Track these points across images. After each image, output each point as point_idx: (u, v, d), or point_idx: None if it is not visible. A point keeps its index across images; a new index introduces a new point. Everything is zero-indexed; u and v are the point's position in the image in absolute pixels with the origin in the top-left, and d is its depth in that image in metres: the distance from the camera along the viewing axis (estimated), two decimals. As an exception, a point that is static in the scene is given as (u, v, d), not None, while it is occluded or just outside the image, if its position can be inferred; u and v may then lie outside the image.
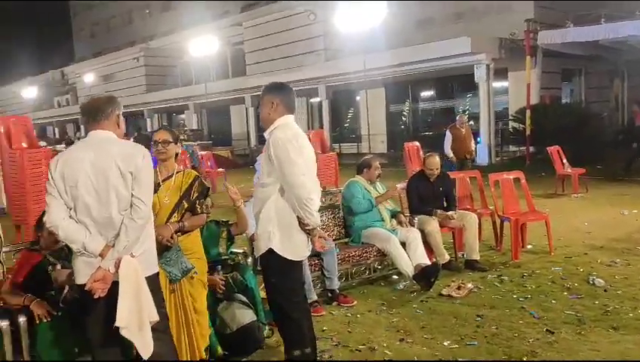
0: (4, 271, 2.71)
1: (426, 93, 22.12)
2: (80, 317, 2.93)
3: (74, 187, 2.70)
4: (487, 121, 16.87)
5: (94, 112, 2.85)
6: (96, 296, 2.65)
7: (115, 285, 2.67)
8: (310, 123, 25.32)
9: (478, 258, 5.77)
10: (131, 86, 36.11)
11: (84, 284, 2.68)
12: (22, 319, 3.18)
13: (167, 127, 3.81)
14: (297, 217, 3.08)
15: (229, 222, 4.30)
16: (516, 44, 16.60)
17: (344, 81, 20.90)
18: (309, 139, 10.00)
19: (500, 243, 6.46)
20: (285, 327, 3.25)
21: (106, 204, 2.71)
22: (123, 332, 2.65)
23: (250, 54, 27.47)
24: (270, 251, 3.12)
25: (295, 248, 3.15)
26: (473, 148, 11.13)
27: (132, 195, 2.73)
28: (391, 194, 5.61)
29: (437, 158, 6.06)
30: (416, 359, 3.68)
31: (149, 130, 29.13)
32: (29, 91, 41.42)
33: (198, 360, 3.45)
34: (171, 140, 3.52)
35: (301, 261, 3.26)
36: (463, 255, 5.96)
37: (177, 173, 3.51)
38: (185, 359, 3.40)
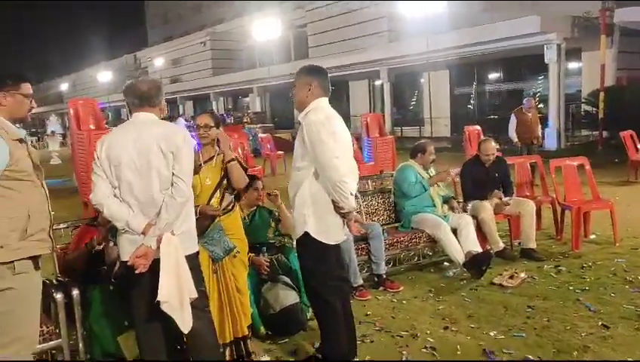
0: (53, 246, 2.86)
1: (493, 75, 21.37)
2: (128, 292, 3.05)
3: (118, 167, 2.80)
4: (557, 104, 16.13)
5: (139, 96, 2.92)
6: (137, 271, 2.74)
7: (156, 262, 2.75)
8: (372, 106, 25.11)
9: (535, 247, 5.55)
10: (198, 70, 37.04)
11: (127, 261, 2.79)
12: (75, 292, 3.35)
13: (209, 111, 3.87)
14: (332, 201, 3.06)
15: (277, 215, 4.37)
16: (591, 22, 15.69)
17: (407, 63, 20.51)
18: (366, 122, 10.01)
19: (561, 232, 6.18)
20: (320, 310, 3.25)
21: (147, 183, 2.79)
22: (164, 307, 2.74)
23: (313, 37, 27.47)
24: (305, 234, 3.11)
25: (330, 232, 3.13)
26: (540, 134, 10.61)
27: (173, 174, 2.81)
28: (443, 177, 5.47)
29: (492, 143, 5.85)
30: (458, 348, 3.59)
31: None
32: (104, 75, 43.34)
33: (240, 336, 3.52)
34: (212, 124, 3.58)
35: (337, 245, 3.23)
36: (518, 243, 5.75)
37: (218, 154, 3.57)
38: (228, 336, 3.48)
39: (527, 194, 6.50)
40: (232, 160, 3.43)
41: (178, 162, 2.81)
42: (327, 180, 3.00)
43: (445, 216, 5.26)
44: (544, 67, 16.74)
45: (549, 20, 15.44)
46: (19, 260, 2.65)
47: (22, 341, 2.74)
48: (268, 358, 3.56)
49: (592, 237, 6.13)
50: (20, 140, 2.72)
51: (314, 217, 3.09)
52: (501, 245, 5.52)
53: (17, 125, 2.83)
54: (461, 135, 12.34)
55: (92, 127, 7.96)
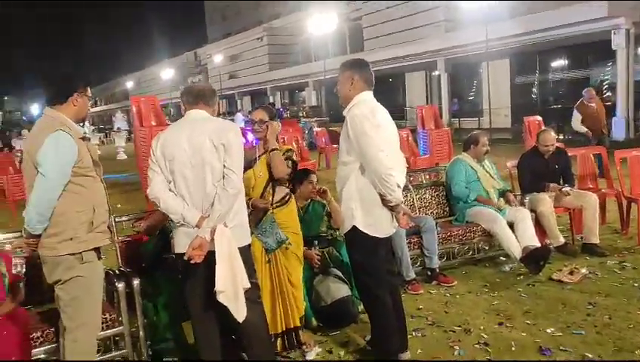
0: (112, 237, 3.03)
1: (557, 63, 20.52)
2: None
3: (172, 162, 2.91)
4: (626, 92, 15.34)
5: (196, 96, 3.04)
6: (192, 262, 2.84)
7: (210, 254, 2.84)
8: (429, 97, 24.71)
9: (598, 241, 5.33)
10: (255, 65, 37.57)
11: (183, 253, 2.89)
12: (136, 282, 3.51)
13: (264, 106, 3.93)
14: (380, 194, 3.05)
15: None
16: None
17: (465, 53, 20.05)
18: (422, 114, 9.87)
19: (626, 226, 5.90)
20: (369, 304, 3.26)
21: (201, 177, 2.89)
22: (220, 298, 2.83)
23: (368, 29, 27.31)
24: (354, 228, 3.12)
25: (378, 225, 3.12)
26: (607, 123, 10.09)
27: (224, 167, 2.89)
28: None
29: (552, 134, 5.64)
30: (513, 344, 3.51)
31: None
32: (167, 72, 44.74)
33: (292, 327, 3.58)
34: (267, 119, 3.64)
35: (385, 238, 3.22)
36: (580, 238, 5.53)
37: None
38: (280, 327, 3.55)
39: (591, 186, 6.23)
40: (274, 149, 3.47)
41: (229, 155, 2.89)
42: (372, 173, 3.00)
43: (501, 210, 5.13)
44: (612, 54, 15.94)
45: (616, 5, 14.66)
46: (86, 251, 2.83)
47: (87, 326, 2.93)
48: (319, 349, 3.60)
49: (661, 231, 5.81)
50: (83, 138, 2.90)
51: (361, 211, 3.09)
52: (561, 239, 5.33)
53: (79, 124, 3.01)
54: (522, 126, 11.96)
55: (153, 123, 8.22)
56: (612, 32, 15.08)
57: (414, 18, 24.08)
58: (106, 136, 34.55)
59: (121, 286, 3.45)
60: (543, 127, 5.96)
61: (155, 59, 54.41)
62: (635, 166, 5.96)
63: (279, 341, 3.57)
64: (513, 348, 3.47)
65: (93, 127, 37.06)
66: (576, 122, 9.68)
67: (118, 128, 26.99)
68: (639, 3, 14.87)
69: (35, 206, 2.76)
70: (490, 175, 5.37)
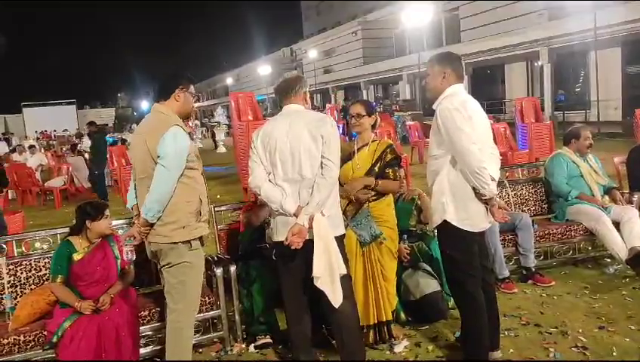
0: (211, 225, 3.26)
1: (676, 51, 18.81)
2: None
3: (272, 153, 3.06)
4: None
5: (286, 90, 3.18)
6: (292, 248, 2.95)
7: (307, 242, 2.95)
8: (530, 89, 23.59)
9: None
10: (349, 59, 37.71)
11: (281, 241, 3.03)
12: (233, 268, 3.72)
13: (362, 100, 3.98)
14: (473, 188, 3.00)
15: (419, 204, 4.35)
16: None
17: (570, 42, 18.89)
18: (521, 107, 9.44)
19: None
20: (461, 300, 3.22)
21: (299, 167, 3.01)
22: (318, 283, 2.94)
23: (466, 20, 26.53)
24: (445, 223, 3.09)
25: (471, 219, 3.07)
26: None
27: (322, 156, 3.00)
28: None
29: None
30: (614, 349, 3.33)
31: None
32: (264, 69, 46.12)
33: (384, 320, 3.62)
34: (364, 113, 3.69)
35: (479, 233, 3.16)
36: (699, 241, 5.07)
37: (372, 142, 3.68)
38: (372, 319, 3.60)
39: None
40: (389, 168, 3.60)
41: (327, 145, 3.00)
42: (465, 167, 2.96)
43: (606, 208, 4.83)
44: None
45: None
46: (194, 239, 3.07)
47: (188, 307, 3.16)
48: (407, 343, 3.61)
49: None
50: (189, 133, 3.13)
51: (453, 205, 3.06)
52: (675, 242, 4.92)
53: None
54: (633, 119, 11.10)
55: (250, 117, 8.56)
56: None
57: (514, 7, 23.04)
58: (207, 130, 36.25)
59: (219, 272, 3.67)
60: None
61: (253, 56, 56.34)
62: None
63: (371, 333, 3.61)
64: (614, 353, 3.29)
65: (197, 122, 39.08)
66: None
67: (218, 122, 28.22)
68: None
69: (157, 195, 2.97)
70: (595, 170, 5.06)
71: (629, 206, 4.88)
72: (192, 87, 3.23)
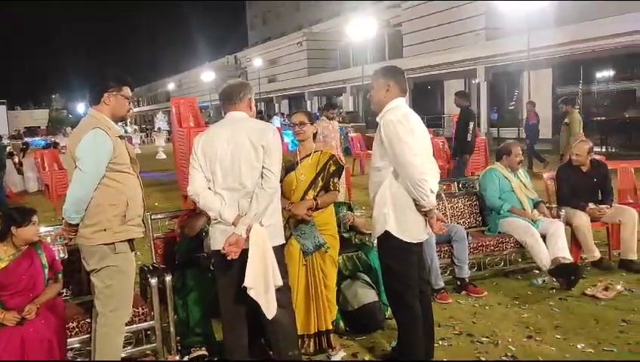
0: (147, 231, 3.17)
1: (602, 74, 20.00)
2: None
3: (212, 161, 3.01)
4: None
5: (230, 96, 3.14)
6: (229, 258, 2.91)
7: (245, 252, 2.91)
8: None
9: (636, 258, 5.18)
10: (294, 70, 37.84)
11: (220, 250, 2.97)
12: (168, 278, 3.62)
13: (303, 110, 4.01)
14: (413, 199, 3.06)
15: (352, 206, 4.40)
16: None
17: (506, 62, 19.73)
18: (456, 122, 9.69)
19: (668, 244, 5.72)
20: (398, 310, 3.27)
21: (239, 175, 2.97)
22: (251, 293, 2.90)
23: (408, 35, 27.20)
24: (386, 233, 3.14)
25: (411, 230, 3.14)
26: None
27: (263, 167, 2.97)
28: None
29: (586, 145, 5.53)
30: (540, 359, 3.46)
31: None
32: (207, 75, 45.46)
33: (324, 330, 3.61)
34: (307, 122, 3.70)
35: (418, 244, 3.23)
36: (617, 253, 5.40)
37: (315, 152, 3.69)
38: (313, 328, 3.59)
39: (631, 201, 6.06)
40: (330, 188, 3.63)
41: (268, 156, 2.97)
42: (407, 179, 3.02)
43: (535, 222, 5.06)
44: (660, 65, 15.46)
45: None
46: (119, 242, 2.97)
47: (117, 312, 3.08)
48: (344, 353, 3.62)
49: None
50: (120, 136, 3.04)
51: (394, 216, 3.11)
52: (597, 254, 5.22)
53: (119, 124, 3.15)
54: (561, 137, 11.70)
55: (191, 124, 8.42)
56: (660, 42, 14.64)
57: (455, 25, 23.87)
58: (147, 136, 35.41)
59: (154, 281, 3.57)
60: (582, 139, 5.82)
61: (197, 62, 55.51)
62: (678, 182, 5.78)
63: (312, 342, 3.61)
64: (541, 362, 3.42)
65: (135, 127, 38.08)
66: None
67: (159, 128, 27.62)
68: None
69: (72, 197, 2.94)
70: (525, 185, 5.30)
71: (556, 220, 5.13)
72: (125, 89, 3.13)
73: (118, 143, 3.02)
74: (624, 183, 6.21)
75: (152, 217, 4.14)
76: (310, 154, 3.67)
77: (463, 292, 4.68)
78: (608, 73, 19.70)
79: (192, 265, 3.78)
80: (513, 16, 18.88)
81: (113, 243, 3.00)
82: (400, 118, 3.06)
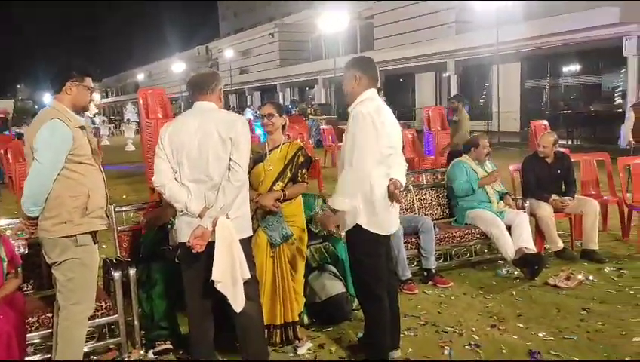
0: (111, 224, 3.11)
1: (568, 68, 20.43)
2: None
3: (179, 152, 2.96)
4: (636, 99, 15.18)
5: (200, 85, 3.07)
6: (194, 251, 2.88)
7: (212, 245, 2.88)
8: (438, 98, 24.65)
9: (597, 248, 5.32)
10: (266, 61, 37.60)
11: (185, 243, 2.95)
12: (132, 271, 3.55)
13: (273, 101, 3.98)
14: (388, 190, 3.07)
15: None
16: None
17: (475, 55, 19.97)
18: (428, 115, 9.77)
19: (627, 234, 5.89)
20: (366, 301, 3.27)
21: (206, 167, 2.93)
22: (218, 287, 2.89)
23: (380, 28, 27.28)
24: (357, 227, 3.13)
25: (382, 223, 3.13)
26: None
27: (230, 159, 2.93)
28: (493, 178, 5.27)
29: (551, 137, 5.64)
30: (503, 347, 3.53)
31: (281, 103, 30.28)
32: (178, 66, 44.85)
33: (290, 321, 3.61)
34: (276, 113, 3.68)
35: (387, 236, 3.24)
36: (580, 244, 5.53)
37: (284, 143, 3.67)
38: (279, 319, 3.59)
39: (593, 193, 6.22)
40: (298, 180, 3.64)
41: (236, 148, 2.93)
42: (349, 168, 3.04)
43: (501, 213, 5.14)
44: (623, 60, 15.83)
45: (629, 10, 14.54)
46: (81, 234, 2.92)
47: (80, 305, 3.03)
48: (310, 344, 3.63)
49: (662, 240, 5.79)
50: (82, 128, 2.96)
51: (365, 208, 3.09)
52: (560, 245, 5.33)
53: (80, 114, 3.08)
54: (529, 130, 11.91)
55: (160, 115, 8.27)
56: (624, 38, 14.98)
57: (425, 19, 24.03)
58: (116, 128, 34.78)
59: (117, 275, 3.50)
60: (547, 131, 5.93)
61: (167, 53, 54.66)
62: (638, 174, 5.94)
63: (278, 333, 3.61)
64: (504, 351, 3.48)
65: (104, 118, 37.33)
66: (627, 126, 8.80)
67: (128, 120, 27.15)
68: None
69: (29, 189, 2.88)
70: (492, 177, 5.37)
71: (521, 211, 5.22)
72: (87, 80, 3.06)
73: (79, 134, 2.94)
74: (586, 175, 6.36)
75: (117, 209, 4.06)
76: (279, 146, 3.66)
77: (430, 282, 4.73)
78: (575, 67, 20.12)
79: (157, 258, 3.73)
80: (483, 10, 19.10)
81: (75, 235, 2.94)
82: (371, 111, 3.05)
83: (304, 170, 3.66)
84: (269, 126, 3.67)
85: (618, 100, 17.96)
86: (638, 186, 5.89)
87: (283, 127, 3.75)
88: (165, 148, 3.00)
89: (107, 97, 69.08)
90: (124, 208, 4.19)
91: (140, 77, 58.80)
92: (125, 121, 28.27)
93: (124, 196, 9.72)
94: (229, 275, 2.90)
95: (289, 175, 3.60)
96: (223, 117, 3.02)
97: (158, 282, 3.58)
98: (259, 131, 13.80)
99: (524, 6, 18.75)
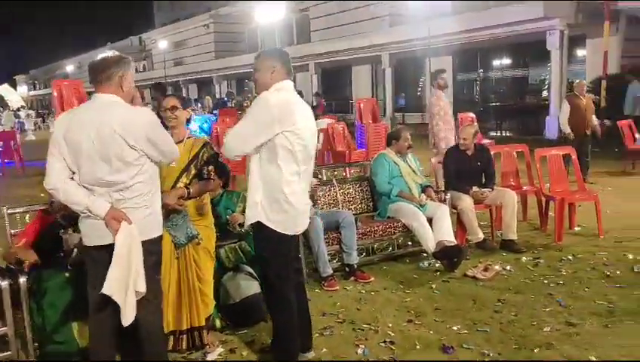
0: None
1: (498, 62, 20.99)
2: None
3: (77, 155, 2.65)
4: (559, 91, 15.84)
5: (96, 73, 2.74)
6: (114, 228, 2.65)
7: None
8: (374, 91, 24.85)
9: (516, 238, 5.42)
10: (201, 52, 36.79)
11: (90, 247, 2.73)
12: (22, 279, 3.27)
13: (176, 94, 3.76)
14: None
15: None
16: (597, 8, 15.30)
17: (408, 49, 20.20)
18: (359, 108, 9.75)
19: (545, 223, 6.05)
20: (272, 302, 3.15)
21: (110, 172, 2.65)
22: (113, 297, 2.66)
23: (315, 20, 27.19)
24: (259, 223, 2.98)
25: (285, 222, 2.98)
26: (596, 123, 9.13)
27: (135, 151, 2.67)
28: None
29: (472, 130, 5.71)
30: (417, 342, 3.49)
31: (217, 96, 29.68)
32: (110, 57, 43.09)
33: (197, 326, 3.43)
34: (180, 106, 3.48)
35: (293, 236, 3.09)
36: (500, 234, 5.62)
37: (188, 138, 3.48)
38: (185, 324, 3.41)
39: (513, 183, 6.35)
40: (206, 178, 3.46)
41: (154, 148, 2.73)
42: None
43: (423, 206, 5.14)
44: (548, 54, 16.41)
45: (552, 6, 15.08)
46: None
47: None
48: (222, 349, 3.47)
49: (578, 229, 5.99)
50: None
51: (267, 205, 2.95)
52: (481, 236, 5.40)
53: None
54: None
55: (76, 109, 7.84)
56: (547, 32, 15.53)
57: (360, 11, 24.09)
58: (43, 122, 33.11)
59: (5, 284, 3.23)
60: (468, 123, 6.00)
61: (99, 43, 52.46)
62: (554, 164, 6.11)
63: (184, 339, 3.42)
64: (417, 346, 3.45)
65: (30, 112, 35.43)
66: (564, 116, 8.82)
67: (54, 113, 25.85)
68: (573, 4, 15.35)
69: None
70: (413, 170, 5.38)
71: (443, 204, 5.24)
72: None
73: None
74: (507, 166, 6.49)
75: (9, 211, 3.74)
76: (183, 140, 3.45)
77: (352, 278, 4.67)
78: (504, 61, 20.71)
79: (48, 264, 3.45)
80: (415, 3, 19.32)
81: None
82: (277, 101, 2.90)
83: (210, 167, 3.47)
84: (173, 120, 3.46)
85: (545, 93, 18.65)
86: (555, 177, 6.05)
87: (187, 120, 3.55)
88: (61, 145, 2.66)
89: (35, 89, 65.65)
90: (18, 209, 3.87)
91: (70, 68, 56.07)
92: (52, 114, 26.90)
93: (42, 194, 9.14)
94: (122, 287, 2.66)
95: (194, 171, 3.40)
96: (126, 114, 2.69)
97: (47, 291, 3.30)
98: (195, 125, 13.39)
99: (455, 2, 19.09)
